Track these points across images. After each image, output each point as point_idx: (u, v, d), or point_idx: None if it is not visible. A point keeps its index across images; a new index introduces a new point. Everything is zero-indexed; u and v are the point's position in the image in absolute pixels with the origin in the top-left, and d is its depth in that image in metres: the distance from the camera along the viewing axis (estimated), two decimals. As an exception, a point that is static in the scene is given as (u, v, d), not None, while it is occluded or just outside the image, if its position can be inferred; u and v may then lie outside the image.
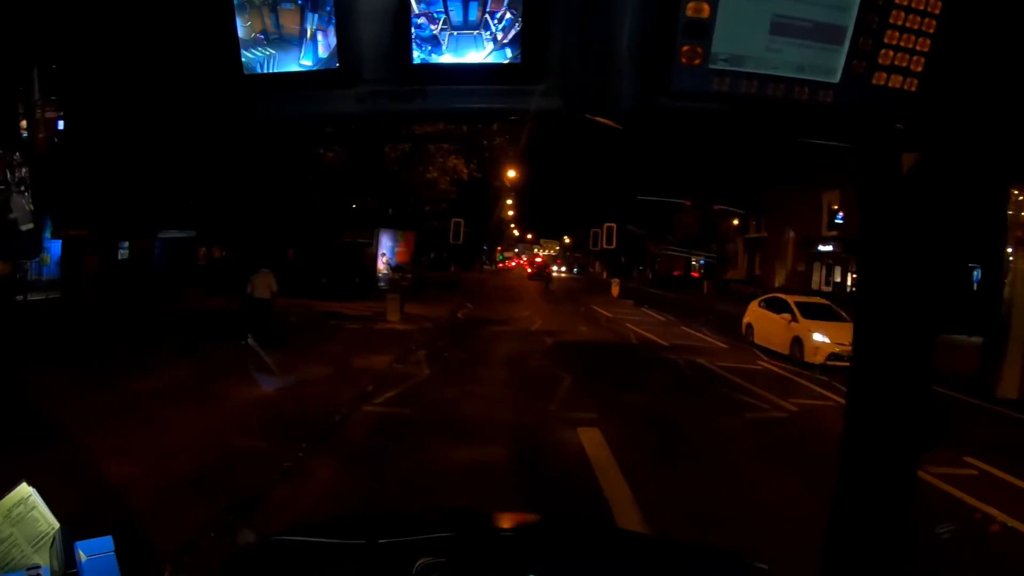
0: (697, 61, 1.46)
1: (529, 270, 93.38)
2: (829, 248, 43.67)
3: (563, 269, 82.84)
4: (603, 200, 75.05)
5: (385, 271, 32.11)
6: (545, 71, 1.57)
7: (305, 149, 22.71)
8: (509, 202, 77.30)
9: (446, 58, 1.60)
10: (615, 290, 43.25)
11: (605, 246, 33.34)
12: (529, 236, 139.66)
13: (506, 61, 1.59)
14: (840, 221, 42.10)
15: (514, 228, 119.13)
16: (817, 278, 45.93)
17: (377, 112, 1.63)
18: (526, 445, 9.41)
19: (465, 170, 30.41)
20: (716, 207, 60.54)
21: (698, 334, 24.70)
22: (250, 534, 2.33)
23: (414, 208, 33.10)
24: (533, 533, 2.52)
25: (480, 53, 1.59)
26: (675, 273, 66.40)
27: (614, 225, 33.02)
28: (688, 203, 63.41)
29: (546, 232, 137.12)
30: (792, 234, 48.91)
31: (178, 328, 17.87)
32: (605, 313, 32.04)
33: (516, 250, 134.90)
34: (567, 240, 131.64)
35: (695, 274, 64.67)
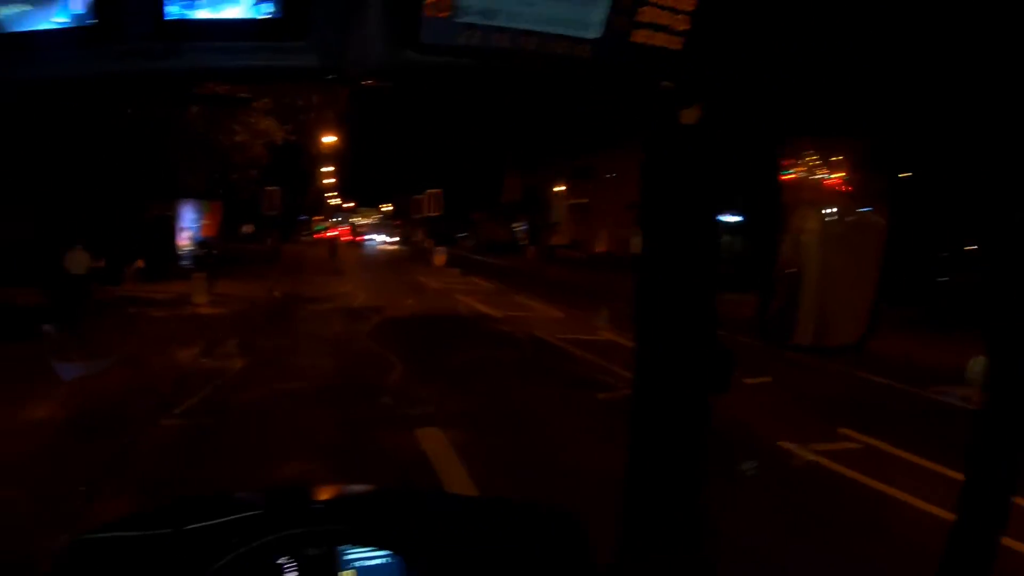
0: (445, 13, 1.33)
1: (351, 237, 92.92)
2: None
3: (385, 239, 79.32)
4: (424, 167, 73.46)
5: (189, 247, 29.04)
6: (305, 27, 1.37)
7: (99, 109, 19.58)
8: (329, 169, 74.72)
9: (202, 13, 1.38)
10: (440, 259, 41.59)
11: (430, 213, 32.26)
12: (349, 205, 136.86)
13: (264, 16, 1.37)
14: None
15: (335, 197, 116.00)
16: (638, 242, 45.88)
17: (132, 72, 1.46)
18: (355, 459, 7.82)
19: (280, 132, 27.60)
20: (540, 174, 60.49)
21: (531, 303, 23.65)
22: (64, 536, 2.11)
23: (221, 175, 29.83)
24: (349, 503, 2.47)
25: (237, 8, 1.39)
26: (500, 239, 65.96)
27: (439, 191, 32.00)
28: (511, 171, 63.26)
29: (367, 201, 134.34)
30: (615, 200, 48.82)
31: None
32: (432, 284, 30.40)
33: (336, 219, 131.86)
34: (388, 208, 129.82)
35: (524, 240, 63.97)
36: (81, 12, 1.45)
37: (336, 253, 45.85)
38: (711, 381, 1.97)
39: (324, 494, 2.57)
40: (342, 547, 2.08)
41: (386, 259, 50.10)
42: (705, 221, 1.93)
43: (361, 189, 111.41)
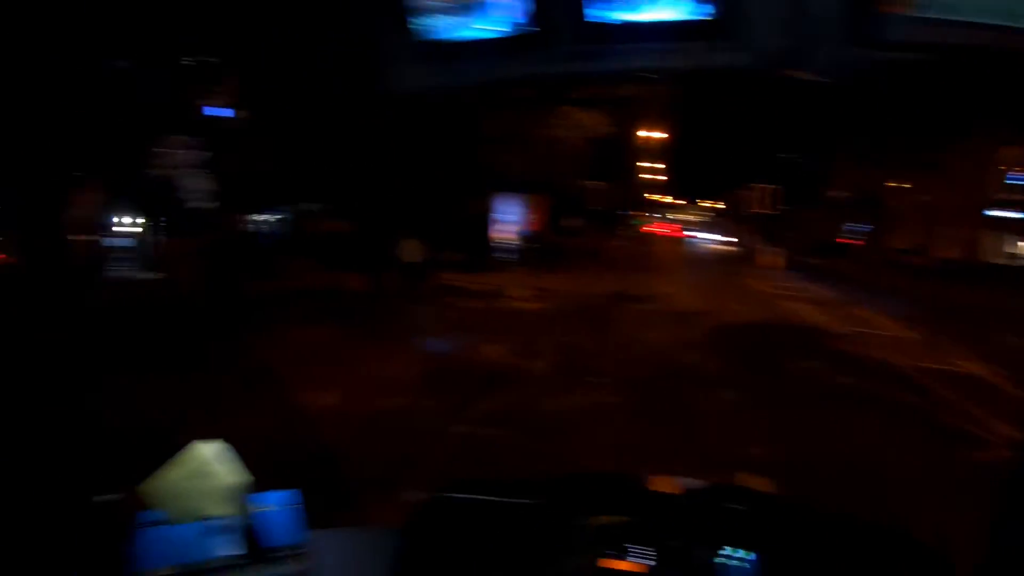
0: (903, 8, 1.29)
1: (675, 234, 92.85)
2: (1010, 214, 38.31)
3: (717, 237, 71.37)
4: (753, 162, 68.36)
5: (512, 240, 28.93)
6: (738, 25, 1.39)
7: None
8: (650, 165, 74.09)
9: (631, 15, 1.46)
10: (769, 260, 39.45)
11: (760, 210, 30.55)
12: (680, 202, 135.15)
13: (698, 17, 1.42)
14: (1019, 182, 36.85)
15: (659, 193, 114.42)
16: (995, 248, 40.72)
17: (558, 74, 1.56)
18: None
19: (602, 126, 26.85)
20: (875, 168, 55.42)
21: (874, 317, 20.75)
22: (421, 492, 2.24)
23: (544, 169, 29.82)
24: (711, 500, 2.32)
25: (671, 11, 1.43)
26: (830, 240, 61.27)
27: (774, 187, 30.25)
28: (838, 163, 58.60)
29: (695, 197, 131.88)
30: (966, 199, 43.21)
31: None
32: (761, 288, 28.15)
33: (657, 216, 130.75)
34: (717, 205, 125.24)
35: (859, 242, 58.80)
36: (522, 21, 1.51)
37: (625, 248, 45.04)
38: None
39: (685, 488, 2.41)
40: (706, 543, 2.04)
41: (711, 259, 48.20)
42: None
43: (688, 185, 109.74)
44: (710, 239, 70.21)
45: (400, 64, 1.58)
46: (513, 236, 29.18)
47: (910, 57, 1.37)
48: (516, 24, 1.48)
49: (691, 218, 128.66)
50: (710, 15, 1.37)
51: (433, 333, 13.28)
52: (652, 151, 65.87)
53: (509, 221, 29.42)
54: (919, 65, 1.45)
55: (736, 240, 58.80)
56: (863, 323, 19.64)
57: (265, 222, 25.92)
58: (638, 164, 69.14)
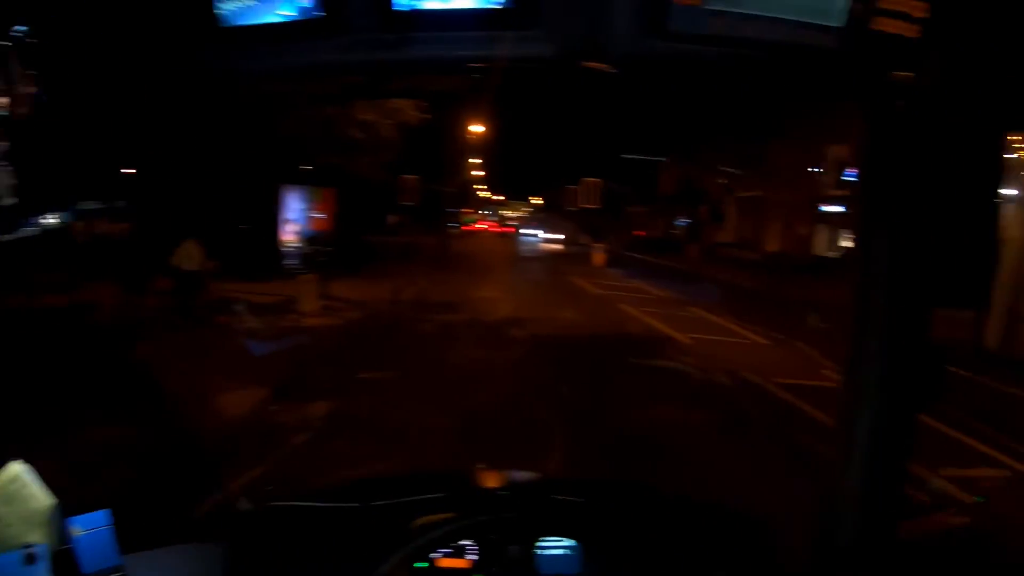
0: (695, 1, 1.38)
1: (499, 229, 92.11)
2: (838, 208, 37.58)
3: (550, 235, 67.45)
4: (577, 159, 66.61)
5: (296, 243, 24.53)
6: (538, 15, 1.44)
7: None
8: (477, 161, 71.53)
9: (431, 3, 1.50)
10: (600, 258, 36.74)
11: (586, 205, 28.17)
12: (498, 198, 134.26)
13: (497, 5, 1.46)
14: (851, 178, 36.18)
15: (484, 190, 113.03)
16: (821, 242, 39.98)
17: (361, 63, 1.58)
18: None
19: (415, 113, 23.29)
20: (702, 164, 54.78)
21: (717, 320, 18.47)
22: (246, 501, 2.26)
23: (341, 158, 25.34)
24: (526, 491, 2.48)
25: None
26: (657, 236, 60.39)
27: (598, 181, 27.75)
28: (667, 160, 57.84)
29: (517, 193, 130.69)
30: (792, 193, 42.53)
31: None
32: (591, 289, 25.33)
33: (486, 212, 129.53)
34: (538, 201, 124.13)
35: (687, 237, 57.77)
36: (308, 5, 1.51)
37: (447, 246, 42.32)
38: (924, 395, 1.91)
39: (509, 482, 2.50)
40: (527, 533, 2.09)
41: (539, 257, 45.34)
42: (925, 219, 1.84)
43: (511, 181, 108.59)
44: (539, 237, 67.84)
45: (204, 49, 1.52)
46: (295, 237, 25.00)
47: (703, 50, 1.39)
48: (303, 8, 1.45)
49: (520, 214, 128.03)
50: (509, 3, 1.37)
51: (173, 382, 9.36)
52: (480, 146, 63.41)
53: (295, 221, 25.27)
54: (733, 59, 1.47)
55: (564, 237, 56.49)
56: (708, 328, 17.22)
57: (37, 224, 21.27)
58: (466, 159, 66.95)
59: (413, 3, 1.45)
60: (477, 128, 43.69)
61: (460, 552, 2.03)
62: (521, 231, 75.01)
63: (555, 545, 2.07)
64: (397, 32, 1.44)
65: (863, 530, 1.96)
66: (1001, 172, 1.78)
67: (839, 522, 2.00)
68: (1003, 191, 1.81)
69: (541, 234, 67.63)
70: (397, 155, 26.45)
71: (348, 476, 3.68)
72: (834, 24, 1.44)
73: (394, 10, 1.43)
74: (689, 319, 18.40)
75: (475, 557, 2.04)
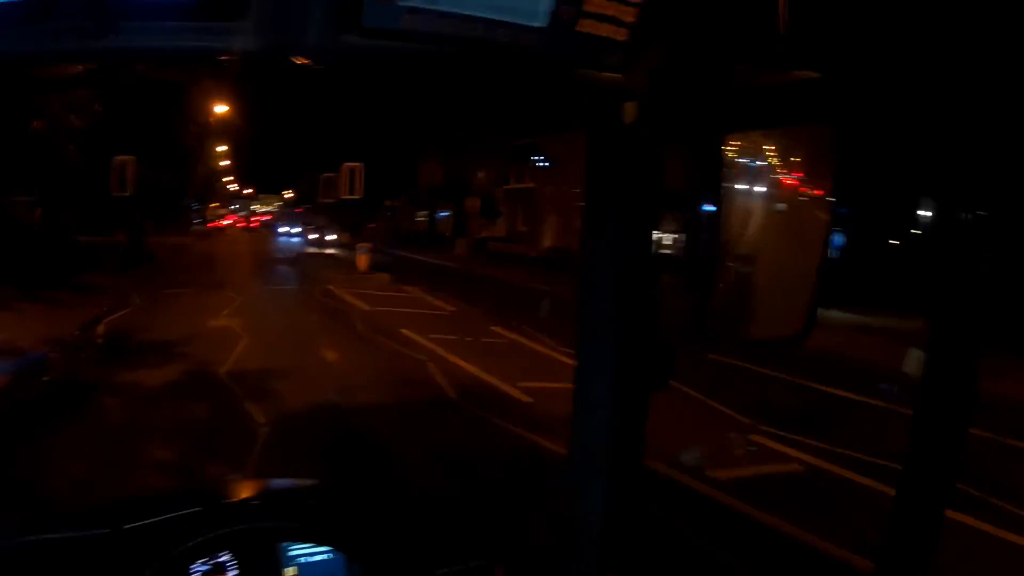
0: None
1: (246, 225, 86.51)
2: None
3: (308, 233, 56.69)
4: (332, 150, 61.37)
5: None
6: (245, 7, 1.34)
7: None
8: (224, 149, 64.78)
9: None
10: (363, 261, 30.57)
11: (347, 196, 23.32)
12: (248, 191, 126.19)
13: None
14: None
15: (232, 182, 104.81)
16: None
17: (68, 51, 1.42)
18: None
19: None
20: (466, 156, 50.45)
21: (535, 344, 13.63)
22: None
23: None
24: (290, 500, 2.36)
25: None
26: (419, 230, 55.47)
27: (359, 165, 22.45)
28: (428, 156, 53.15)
29: (269, 187, 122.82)
30: (566, 187, 38.89)
31: None
32: (359, 305, 19.59)
33: (235, 206, 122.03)
34: (289, 195, 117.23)
35: (443, 231, 53.96)
36: None
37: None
38: (652, 379, 1.95)
39: (265, 490, 2.46)
40: (284, 543, 2.04)
41: (291, 258, 37.99)
42: (645, 217, 1.90)
43: (261, 173, 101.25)
44: (294, 234, 59.90)
45: None
46: None
47: (399, 46, 1.36)
48: None
49: (271, 209, 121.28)
50: None
51: None
52: (222, 134, 57.38)
53: None
54: (430, 56, 1.45)
55: (322, 235, 49.04)
56: (524, 360, 12.40)
57: None
58: (212, 148, 59.93)
59: None
60: (221, 109, 37.89)
61: (220, 569, 1.96)
62: (278, 228, 65.47)
63: (315, 552, 2.05)
64: (102, 20, 1.27)
65: (603, 513, 1.97)
66: (718, 176, 1.70)
67: (579, 507, 2.02)
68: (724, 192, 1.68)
69: (295, 230, 60.01)
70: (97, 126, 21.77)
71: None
72: (536, 24, 1.39)
73: None
74: (502, 348, 13.50)
75: (235, 572, 1.97)
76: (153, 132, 29.97)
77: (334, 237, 47.65)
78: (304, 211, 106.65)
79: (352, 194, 23.89)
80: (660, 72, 1.58)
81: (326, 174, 25.95)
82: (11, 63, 1.53)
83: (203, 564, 1.93)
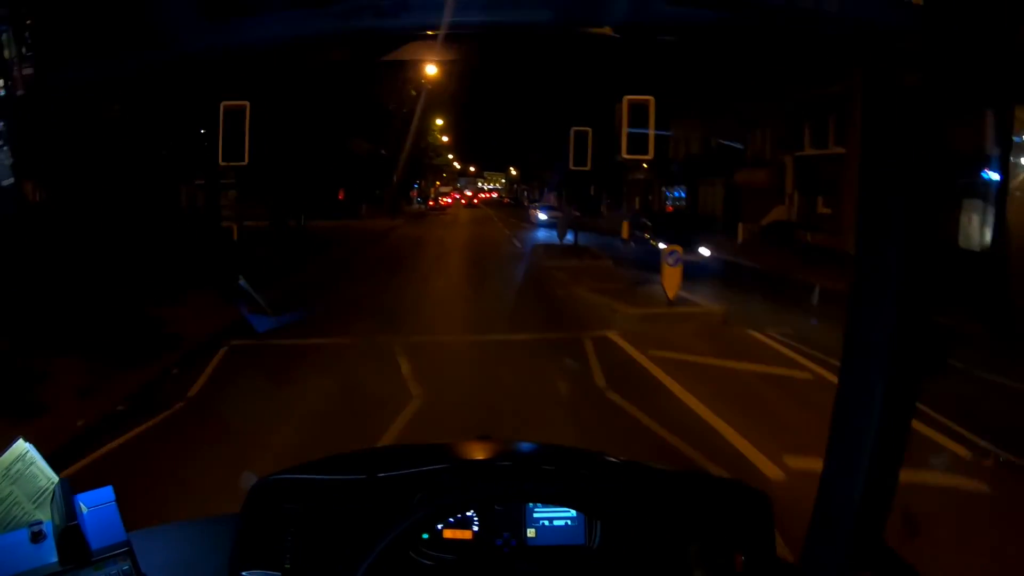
0: None
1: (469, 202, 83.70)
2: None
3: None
4: (552, 128, 52.85)
5: None
6: None
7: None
8: (441, 123, 61.89)
9: None
10: (673, 280, 14.33)
11: (577, 167, 17.30)
12: (472, 169, 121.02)
13: None
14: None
15: (454, 160, 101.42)
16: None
17: (361, 29, 1.43)
18: None
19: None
20: (733, 117, 37.84)
21: None
22: (251, 476, 2.16)
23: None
24: (530, 463, 2.31)
25: None
26: (677, 210, 43.56)
27: (588, 130, 16.11)
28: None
29: (491, 164, 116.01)
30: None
31: None
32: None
33: (459, 184, 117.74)
34: (514, 172, 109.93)
35: (714, 212, 40.50)
36: None
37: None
38: (928, 362, 1.77)
39: (512, 451, 2.41)
40: (530, 504, 2.06)
41: (519, 261, 25.63)
42: (929, 192, 1.67)
43: (485, 150, 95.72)
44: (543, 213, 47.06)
45: (188, 24, 1.36)
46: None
47: (704, 13, 1.29)
48: None
49: (496, 186, 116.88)
50: None
51: None
52: (444, 110, 58.13)
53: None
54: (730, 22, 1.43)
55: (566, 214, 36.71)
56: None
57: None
58: (431, 124, 58.97)
59: None
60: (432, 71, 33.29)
61: (464, 524, 2.02)
62: (540, 214, 46.63)
63: (556, 515, 2.06)
64: None
65: (856, 529, 1.80)
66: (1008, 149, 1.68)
67: (833, 519, 1.86)
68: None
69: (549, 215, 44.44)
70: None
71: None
72: None
73: None
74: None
75: (477, 529, 2.03)
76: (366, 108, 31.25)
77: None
78: (530, 187, 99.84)
79: (583, 165, 17.88)
80: (947, 38, 1.41)
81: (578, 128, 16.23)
82: (307, 43, 1.48)
83: (449, 519, 1.99)
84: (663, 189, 48.42)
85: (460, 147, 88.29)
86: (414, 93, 39.47)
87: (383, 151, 44.64)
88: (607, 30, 1.36)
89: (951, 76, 1.57)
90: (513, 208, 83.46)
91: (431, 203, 69.85)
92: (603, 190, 59.64)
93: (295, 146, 25.93)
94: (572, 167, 17.81)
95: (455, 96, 52.74)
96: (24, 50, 1.58)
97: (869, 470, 1.76)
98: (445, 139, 71.18)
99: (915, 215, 1.65)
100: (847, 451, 1.81)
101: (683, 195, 46.42)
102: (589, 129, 16.12)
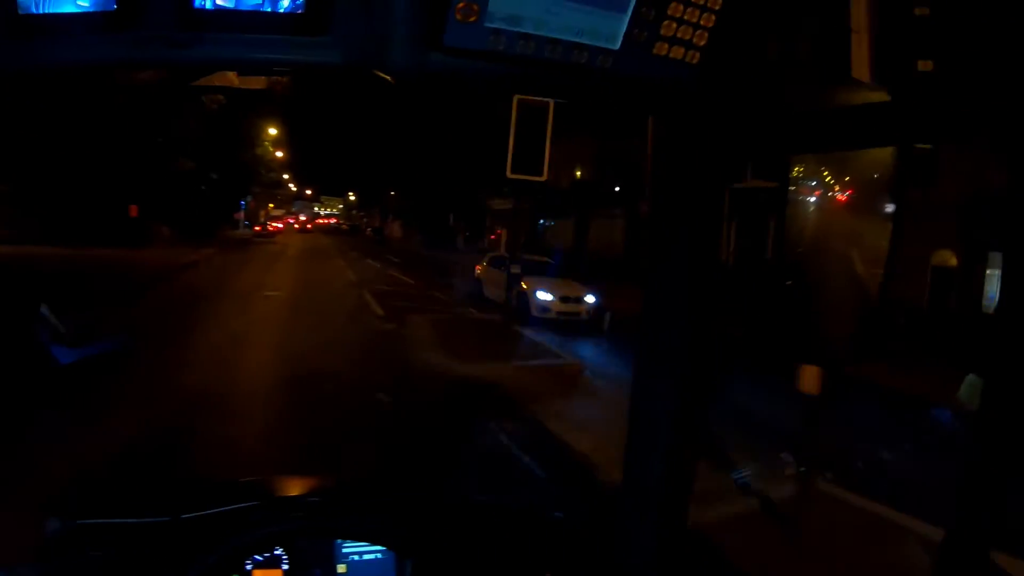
0: (473, 18, 1.31)
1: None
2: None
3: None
4: (388, 155, 54.22)
5: None
6: (329, 22, 1.35)
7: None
8: (273, 131, 53.40)
9: (226, 3, 1.35)
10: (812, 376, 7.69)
11: (523, 175, 12.47)
12: (308, 192, 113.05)
13: (289, 10, 1.34)
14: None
15: (289, 182, 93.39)
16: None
17: (155, 59, 1.42)
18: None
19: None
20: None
21: None
22: (56, 521, 1.97)
23: None
24: (345, 497, 2.30)
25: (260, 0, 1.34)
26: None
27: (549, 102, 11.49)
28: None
29: (328, 188, 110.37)
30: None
31: None
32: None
33: (294, 207, 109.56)
34: (352, 197, 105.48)
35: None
36: None
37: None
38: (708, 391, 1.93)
39: (320, 487, 2.36)
40: (338, 540, 2.02)
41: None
42: (708, 230, 1.86)
43: (322, 174, 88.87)
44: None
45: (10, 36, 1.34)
46: None
47: (481, 65, 1.34)
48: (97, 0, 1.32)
49: (328, 211, 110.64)
50: (301, 8, 1.29)
51: None
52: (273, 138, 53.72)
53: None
54: (509, 76, 1.46)
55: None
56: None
57: None
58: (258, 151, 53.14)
59: (208, 2, 1.30)
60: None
61: (273, 563, 1.95)
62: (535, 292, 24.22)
63: (367, 550, 2.03)
64: (191, 30, 1.30)
65: (660, 524, 1.94)
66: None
67: (636, 518, 1.97)
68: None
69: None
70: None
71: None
72: (611, 47, 1.39)
73: (193, 8, 1.29)
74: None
75: (287, 567, 1.97)
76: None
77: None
78: (366, 214, 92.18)
79: (534, 174, 12.80)
80: (728, 94, 1.53)
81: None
82: (92, 69, 1.50)
83: (257, 557, 1.91)
84: (541, 221, 40.02)
85: (297, 169, 79.86)
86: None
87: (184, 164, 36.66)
88: (388, 77, 1.36)
89: (725, 125, 1.70)
90: (352, 236, 74.24)
91: (257, 228, 58.90)
92: (460, 220, 50.88)
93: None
94: (514, 175, 12.82)
95: (289, 116, 50.87)
96: None
97: (667, 455, 1.87)
98: (279, 154, 61.14)
99: (696, 238, 1.81)
100: (644, 445, 1.92)
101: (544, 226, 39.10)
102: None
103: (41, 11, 1.34)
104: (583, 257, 30.70)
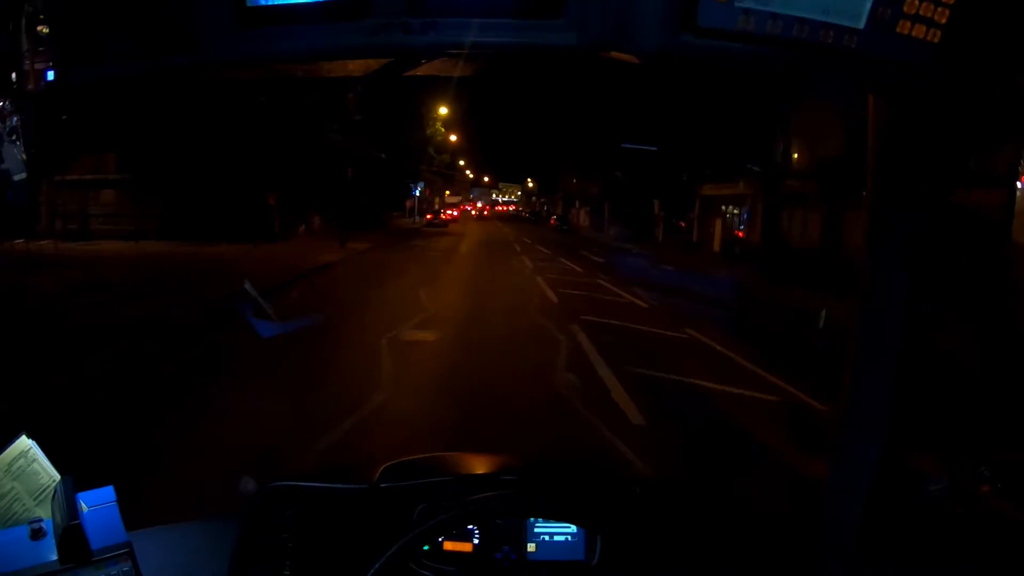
0: None
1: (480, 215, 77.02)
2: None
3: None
4: (575, 140, 51.96)
5: None
6: (564, 3, 1.27)
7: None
8: (444, 111, 50.67)
9: None
10: None
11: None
12: (486, 179, 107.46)
13: None
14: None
15: (466, 168, 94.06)
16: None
17: (389, 45, 1.37)
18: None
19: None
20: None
21: None
22: (251, 482, 2.00)
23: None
24: (532, 476, 2.19)
25: None
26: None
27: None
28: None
29: (506, 175, 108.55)
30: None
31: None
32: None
33: (472, 195, 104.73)
34: (531, 184, 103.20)
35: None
36: None
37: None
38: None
39: (513, 466, 2.21)
40: (531, 519, 1.97)
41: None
42: (935, 227, 1.69)
43: (501, 160, 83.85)
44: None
45: (228, 31, 1.31)
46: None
47: (730, 46, 1.26)
48: None
49: (507, 198, 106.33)
50: None
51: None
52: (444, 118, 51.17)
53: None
54: (756, 57, 1.36)
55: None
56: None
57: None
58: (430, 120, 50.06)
59: None
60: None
61: (465, 536, 1.95)
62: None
63: (557, 530, 1.97)
64: (422, 16, 1.26)
65: (861, 524, 1.79)
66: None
67: (836, 515, 1.82)
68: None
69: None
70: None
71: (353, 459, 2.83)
72: (856, 26, 1.29)
73: None
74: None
75: (477, 541, 1.95)
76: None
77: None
78: (545, 200, 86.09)
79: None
80: (968, 76, 1.40)
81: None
82: (332, 56, 1.47)
83: (451, 531, 1.91)
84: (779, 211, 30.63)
85: (473, 155, 75.30)
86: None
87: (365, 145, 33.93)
88: (632, 58, 1.30)
89: (962, 110, 1.57)
90: (533, 225, 67.76)
91: (428, 216, 52.73)
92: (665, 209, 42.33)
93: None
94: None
95: (470, 104, 50.24)
96: (40, 47, 1.41)
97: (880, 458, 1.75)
98: (453, 138, 55.41)
99: (919, 232, 1.68)
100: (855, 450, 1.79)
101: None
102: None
103: (271, 2, 1.30)
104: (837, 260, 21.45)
